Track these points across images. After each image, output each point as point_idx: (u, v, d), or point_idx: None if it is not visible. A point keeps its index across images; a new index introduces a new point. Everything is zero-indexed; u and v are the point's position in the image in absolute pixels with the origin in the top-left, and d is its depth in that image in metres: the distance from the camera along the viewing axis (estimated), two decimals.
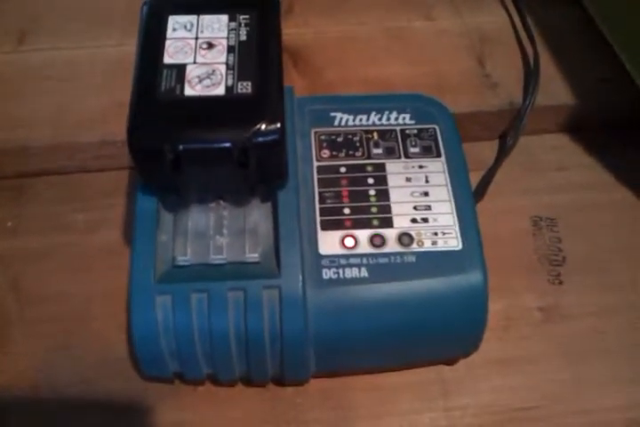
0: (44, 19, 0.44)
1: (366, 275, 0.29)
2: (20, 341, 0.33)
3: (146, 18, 0.28)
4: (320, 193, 0.31)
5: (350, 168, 0.31)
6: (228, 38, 0.27)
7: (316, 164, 0.31)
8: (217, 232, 0.29)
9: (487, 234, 0.31)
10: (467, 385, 0.33)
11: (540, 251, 0.37)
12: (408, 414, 0.32)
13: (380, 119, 0.33)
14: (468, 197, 0.31)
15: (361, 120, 0.33)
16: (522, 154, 0.40)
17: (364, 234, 0.30)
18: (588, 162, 0.41)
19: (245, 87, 0.26)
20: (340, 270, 0.29)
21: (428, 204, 0.30)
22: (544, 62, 0.41)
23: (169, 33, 0.27)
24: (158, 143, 0.25)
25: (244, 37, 0.27)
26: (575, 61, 0.42)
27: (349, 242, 0.29)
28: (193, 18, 0.28)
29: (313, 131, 0.32)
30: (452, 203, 0.30)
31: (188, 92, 0.26)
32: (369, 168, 0.31)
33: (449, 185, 0.31)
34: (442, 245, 0.29)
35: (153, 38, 0.27)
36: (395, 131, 0.33)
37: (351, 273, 0.29)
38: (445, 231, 0.30)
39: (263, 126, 0.25)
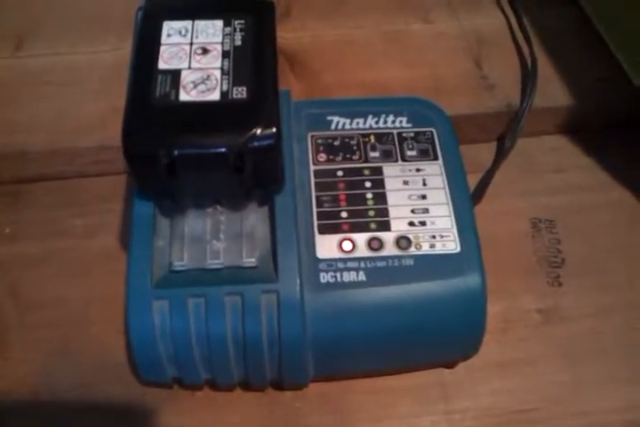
0: (41, 24, 0.44)
1: (364, 278, 0.29)
2: (18, 346, 0.33)
3: (140, 23, 0.28)
4: (317, 197, 0.30)
5: (347, 172, 0.31)
6: (222, 43, 0.27)
7: (312, 167, 0.31)
8: (214, 237, 0.29)
9: (486, 236, 0.31)
10: (466, 388, 0.33)
11: (539, 253, 0.37)
12: (408, 418, 0.32)
13: (376, 123, 0.33)
14: (466, 200, 0.31)
15: (358, 124, 0.33)
16: (520, 156, 0.40)
17: (361, 237, 0.30)
18: (586, 163, 0.41)
19: (240, 92, 0.26)
20: (338, 274, 0.29)
21: (426, 207, 0.30)
22: (541, 63, 0.41)
23: (163, 38, 0.27)
24: (153, 149, 0.25)
25: (238, 42, 0.27)
26: (572, 62, 0.42)
27: (347, 246, 0.29)
28: (188, 23, 0.28)
29: (310, 135, 0.32)
30: (450, 206, 0.30)
31: (183, 97, 0.26)
32: (366, 172, 0.31)
33: (446, 188, 0.31)
34: (440, 249, 0.29)
35: (147, 44, 0.27)
36: (392, 134, 0.33)
37: (349, 277, 0.29)
38: (443, 234, 0.30)
39: (259, 131, 0.25)
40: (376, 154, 0.32)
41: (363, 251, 0.29)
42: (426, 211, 0.30)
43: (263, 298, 0.28)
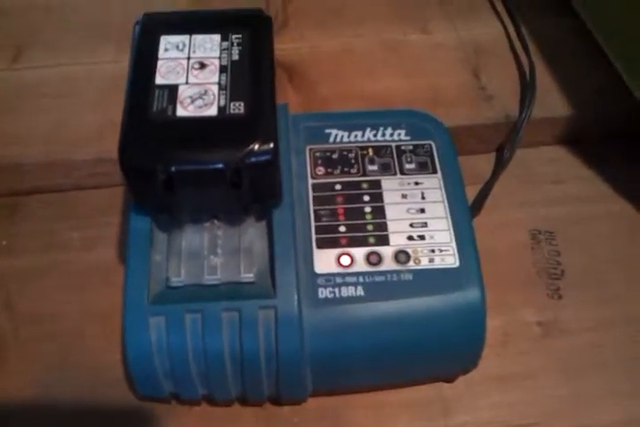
0: (39, 35, 0.44)
1: (362, 293, 0.28)
2: (15, 360, 0.33)
3: (138, 37, 0.28)
4: (315, 211, 0.30)
5: (346, 185, 0.31)
6: (220, 58, 0.27)
7: (311, 181, 0.31)
8: (211, 252, 0.29)
9: (485, 248, 0.31)
10: (466, 402, 0.32)
11: (538, 264, 0.37)
12: None
13: (375, 135, 0.33)
14: (465, 214, 0.31)
15: (356, 136, 0.33)
16: (518, 167, 0.40)
17: (360, 252, 0.29)
18: (585, 174, 0.40)
19: (238, 107, 0.26)
20: (336, 289, 0.28)
21: (425, 221, 0.30)
22: (540, 73, 0.41)
23: (161, 53, 0.27)
24: (150, 165, 0.25)
25: (236, 57, 0.27)
26: (571, 72, 0.42)
27: (345, 260, 0.29)
28: (185, 37, 0.28)
29: (308, 148, 0.32)
30: (449, 219, 0.30)
31: (181, 112, 0.26)
32: (364, 185, 0.31)
33: (445, 201, 0.31)
34: (439, 263, 0.29)
35: (145, 58, 0.27)
36: (390, 147, 0.32)
37: (347, 292, 0.28)
38: (442, 248, 0.30)
39: (256, 147, 0.25)
40: (374, 167, 0.32)
41: (361, 265, 0.29)
42: (425, 225, 0.30)
43: (261, 314, 0.27)
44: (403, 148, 0.32)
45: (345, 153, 0.32)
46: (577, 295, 0.36)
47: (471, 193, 0.36)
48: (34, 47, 0.43)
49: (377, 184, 0.31)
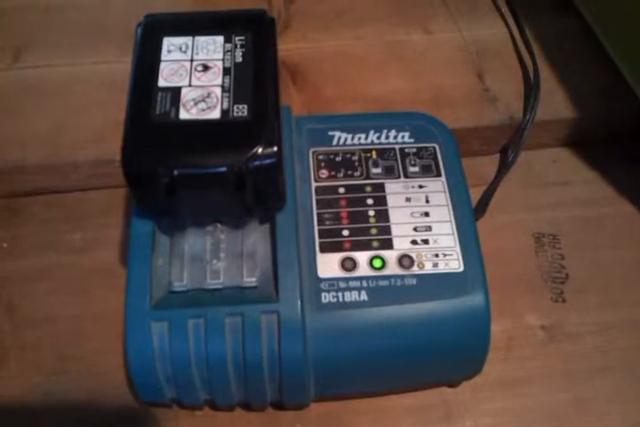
0: (39, 36, 0.43)
1: (366, 298, 0.28)
2: (15, 365, 0.33)
3: (140, 39, 0.27)
4: (319, 214, 0.30)
5: (349, 188, 0.31)
6: (223, 60, 0.27)
7: (314, 184, 0.31)
8: (214, 256, 0.28)
9: (489, 251, 0.30)
10: (470, 408, 0.32)
11: (542, 268, 0.36)
12: None
13: (378, 138, 0.32)
14: (470, 218, 0.30)
15: (359, 139, 0.32)
16: (522, 169, 0.40)
17: (363, 256, 0.29)
18: (589, 176, 0.40)
19: (241, 110, 0.25)
20: (340, 294, 0.28)
21: (429, 224, 0.30)
22: (543, 75, 0.41)
23: (163, 55, 0.27)
24: (153, 168, 0.24)
25: (239, 59, 0.27)
26: (575, 74, 0.42)
27: (349, 264, 0.29)
28: (188, 39, 0.27)
29: (311, 150, 0.32)
30: (453, 223, 0.30)
31: (184, 115, 0.25)
32: (368, 188, 0.31)
33: (449, 205, 0.30)
34: (443, 268, 0.29)
35: (147, 60, 0.27)
36: (394, 149, 0.32)
37: (351, 297, 0.28)
38: (446, 253, 0.29)
39: (260, 150, 0.25)
40: (378, 170, 0.31)
41: (365, 270, 0.29)
42: (429, 229, 0.30)
43: (264, 319, 0.27)
44: (407, 150, 0.32)
45: (348, 156, 0.32)
46: (581, 299, 0.35)
47: (475, 195, 0.36)
48: (34, 47, 0.43)
49: (381, 187, 0.31)
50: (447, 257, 0.29)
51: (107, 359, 0.33)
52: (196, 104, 0.26)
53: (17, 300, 0.35)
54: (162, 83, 0.26)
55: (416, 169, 0.32)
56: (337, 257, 0.29)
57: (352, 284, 0.28)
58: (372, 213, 0.30)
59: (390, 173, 0.31)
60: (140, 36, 0.28)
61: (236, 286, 0.28)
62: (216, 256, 0.28)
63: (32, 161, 0.37)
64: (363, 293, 0.28)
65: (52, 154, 0.37)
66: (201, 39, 0.27)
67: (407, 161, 0.32)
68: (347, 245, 0.29)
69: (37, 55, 0.42)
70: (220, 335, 0.27)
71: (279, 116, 0.26)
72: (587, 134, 0.41)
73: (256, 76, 0.26)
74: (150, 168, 0.25)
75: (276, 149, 0.25)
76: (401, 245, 0.29)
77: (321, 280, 0.28)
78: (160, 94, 0.26)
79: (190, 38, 0.27)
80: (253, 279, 0.28)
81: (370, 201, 0.30)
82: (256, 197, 0.26)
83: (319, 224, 0.30)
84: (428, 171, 0.32)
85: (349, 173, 0.31)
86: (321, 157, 0.32)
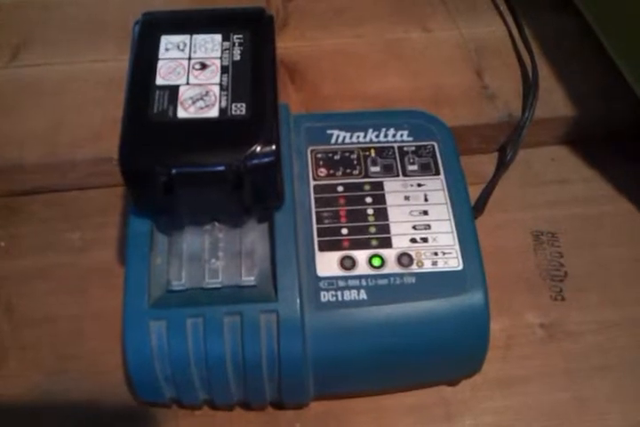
0: (37, 33, 0.43)
1: (365, 297, 0.28)
2: (15, 364, 0.33)
3: (137, 37, 0.27)
4: (317, 213, 0.30)
5: (348, 187, 0.31)
6: (221, 58, 0.27)
7: (312, 183, 0.31)
8: (212, 255, 0.28)
9: (487, 249, 0.30)
10: (469, 406, 0.32)
11: (541, 266, 0.36)
12: None
13: (377, 136, 0.32)
14: (468, 216, 0.30)
15: (358, 137, 0.32)
16: (521, 167, 0.40)
17: (362, 255, 0.29)
18: (588, 174, 0.40)
19: (239, 109, 0.25)
20: (339, 293, 0.28)
21: (428, 223, 0.30)
22: (542, 73, 0.41)
23: (161, 53, 0.27)
24: (151, 167, 0.24)
25: (237, 57, 0.27)
26: (574, 72, 0.42)
27: (348, 263, 0.29)
28: (186, 37, 0.27)
29: (309, 149, 0.32)
30: (452, 222, 0.30)
31: (181, 114, 0.25)
32: (367, 187, 0.31)
33: (448, 203, 0.30)
34: (442, 266, 0.29)
35: (145, 58, 0.27)
36: (392, 148, 0.32)
37: (350, 295, 0.28)
38: (445, 251, 0.29)
39: (258, 149, 0.24)
40: (377, 168, 0.31)
41: (364, 268, 0.29)
42: (428, 227, 0.30)
43: (262, 318, 0.27)
44: (405, 149, 0.32)
45: (347, 154, 0.32)
46: (580, 297, 0.35)
47: (473, 193, 0.36)
48: (32, 45, 0.43)
49: (379, 186, 0.31)
50: (446, 255, 0.29)
51: (106, 359, 0.33)
52: (193, 102, 0.26)
53: (16, 299, 0.34)
54: (159, 81, 0.26)
55: (415, 167, 0.31)
56: (336, 256, 0.29)
57: (351, 282, 0.28)
58: (370, 211, 0.30)
59: (389, 171, 0.31)
60: (137, 34, 0.27)
61: (234, 285, 0.28)
62: (214, 255, 0.28)
63: (30, 160, 0.37)
64: (362, 291, 0.28)
65: (49, 152, 0.37)
66: (199, 37, 0.27)
67: (406, 159, 0.32)
68: (346, 244, 0.29)
69: (35, 53, 0.42)
70: (218, 335, 0.27)
71: (277, 114, 0.26)
72: (585, 133, 0.41)
73: (254, 75, 0.26)
74: (148, 167, 0.25)
75: (274, 147, 0.25)
76: (400, 243, 0.29)
77: (320, 279, 0.28)
78: (158, 93, 0.26)
79: (188, 36, 0.27)
80: (252, 278, 0.28)
81: (369, 199, 0.30)
82: (254, 195, 0.26)
83: (318, 223, 0.30)
84: (427, 169, 0.31)
85: (348, 171, 0.31)
86: (319, 155, 0.32)
